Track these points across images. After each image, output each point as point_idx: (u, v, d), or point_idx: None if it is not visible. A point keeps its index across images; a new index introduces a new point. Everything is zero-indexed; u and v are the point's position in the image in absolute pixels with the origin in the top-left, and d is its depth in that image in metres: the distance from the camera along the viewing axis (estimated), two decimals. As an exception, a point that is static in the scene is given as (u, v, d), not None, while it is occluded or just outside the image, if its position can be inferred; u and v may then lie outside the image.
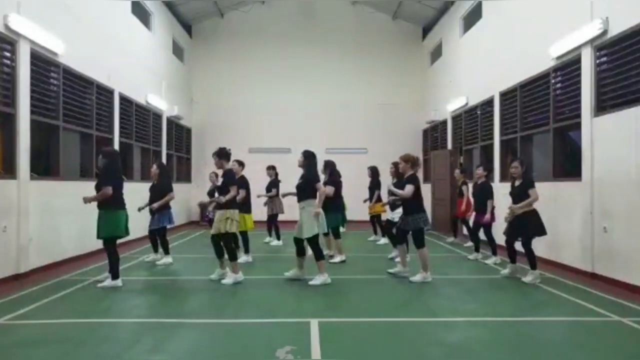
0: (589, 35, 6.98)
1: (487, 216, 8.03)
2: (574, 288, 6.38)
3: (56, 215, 7.68)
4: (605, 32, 6.71)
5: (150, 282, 6.85)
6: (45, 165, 7.93)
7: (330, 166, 8.59)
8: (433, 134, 15.51)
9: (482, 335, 4.55)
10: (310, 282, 6.51)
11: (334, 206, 8.10)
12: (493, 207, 8.14)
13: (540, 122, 8.73)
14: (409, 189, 6.64)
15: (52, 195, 7.65)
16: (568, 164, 8.07)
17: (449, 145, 13.66)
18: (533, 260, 6.68)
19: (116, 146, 10.10)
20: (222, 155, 6.90)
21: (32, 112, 7.16)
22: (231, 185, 6.70)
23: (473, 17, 12.17)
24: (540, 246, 8.32)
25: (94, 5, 9.25)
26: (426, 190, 13.91)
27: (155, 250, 8.40)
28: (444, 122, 14.19)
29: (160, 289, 6.38)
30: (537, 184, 8.63)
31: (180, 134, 15.22)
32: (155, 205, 7.90)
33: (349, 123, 16.56)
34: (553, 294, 6.12)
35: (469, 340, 4.38)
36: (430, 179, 14.48)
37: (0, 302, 5.51)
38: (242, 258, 8.12)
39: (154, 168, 8.35)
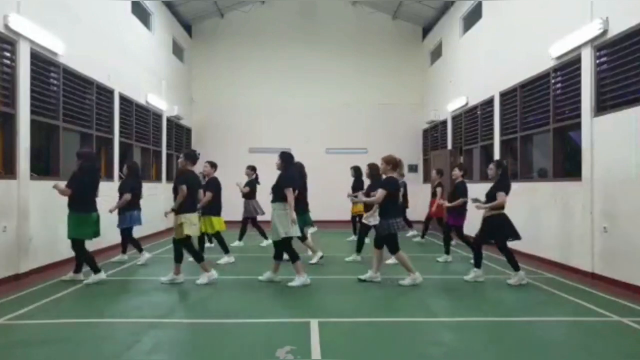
0: (589, 35, 6.98)
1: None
2: (574, 288, 6.38)
3: (56, 215, 7.65)
4: (605, 32, 6.71)
5: (149, 282, 6.84)
6: (45, 165, 7.93)
7: (298, 168, 7.87)
8: (433, 134, 15.51)
9: (482, 335, 4.56)
10: (289, 284, 6.34)
11: (299, 209, 7.54)
12: (465, 211, 8.06)
13: (540, 122, 8.73)
14: (380, 193, 6.45)
15: (52, 195, 7.60)
16: (568, 164, 8.07)
17: (449, 145, 13.66)
18: (513, 262, 6.57)
19: (116, 146, 10.12)
20: (188, 157, 6.71)
21: (32, 112, 7.16)
22: (179, 186, 6.47)
23: (473, 17, 12.16)
24: (541, 246, 8.34)
25: (94, 5, 9.24)
26: (426, 190, 13.92)
27: (123, 251, 8.41)
28: (444, 122, 14.19)
29: (158, 289, 6.37)
30: (537, 184, 8.73)
31: (180, 134, 15.21)
32: (111, 207, 7.87)
33: (349, 123, 16.55)
34: (553, 294, 6.12)
35: (469, 340, 4.38)
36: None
37: (0, 302, 5.51)
38: (224, 259, 8.06)
39: (125, 168, 8.37)
